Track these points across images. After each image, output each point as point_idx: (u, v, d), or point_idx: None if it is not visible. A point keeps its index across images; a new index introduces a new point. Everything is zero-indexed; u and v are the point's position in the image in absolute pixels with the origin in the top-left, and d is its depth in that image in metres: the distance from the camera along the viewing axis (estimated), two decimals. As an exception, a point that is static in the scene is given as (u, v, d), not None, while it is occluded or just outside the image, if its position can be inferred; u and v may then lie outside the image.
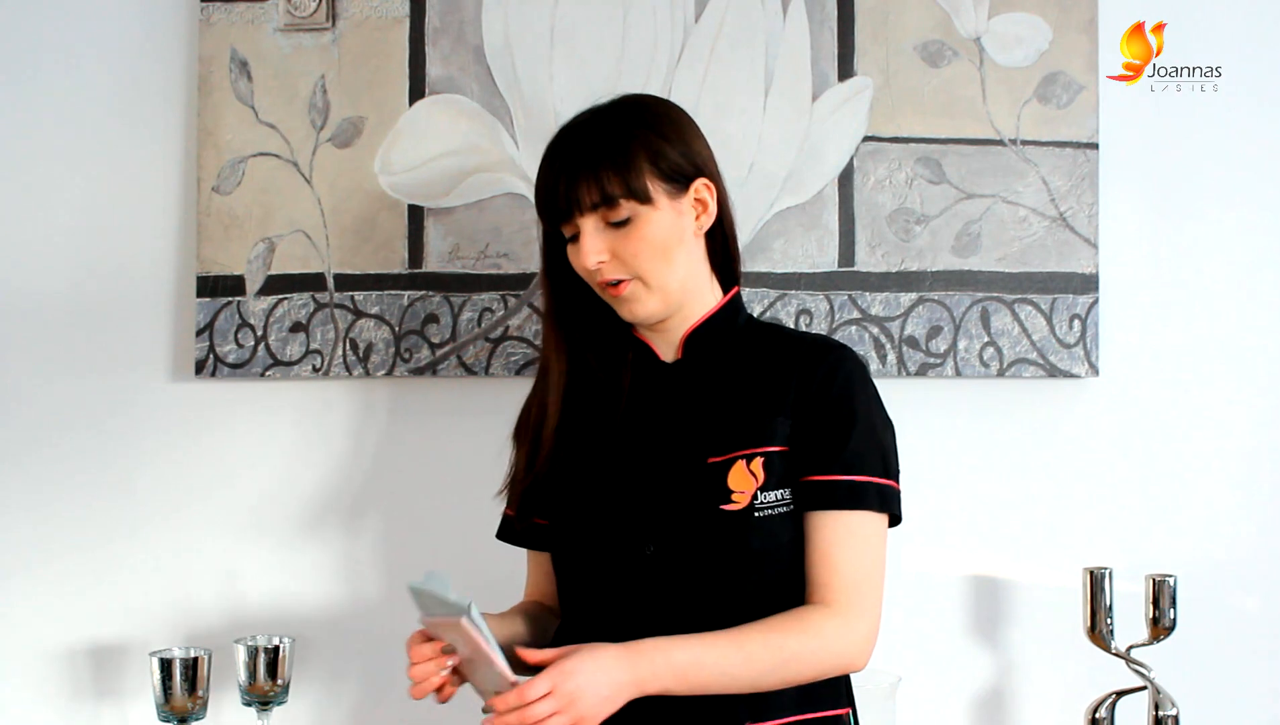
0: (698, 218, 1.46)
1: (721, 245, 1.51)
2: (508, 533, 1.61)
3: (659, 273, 1.42)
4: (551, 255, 1.51)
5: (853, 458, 1.40)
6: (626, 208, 1.40)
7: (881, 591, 1.41)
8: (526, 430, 1.54)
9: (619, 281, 1.43)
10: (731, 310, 1.51)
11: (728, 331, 1.50)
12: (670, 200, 1.43)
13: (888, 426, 1.45)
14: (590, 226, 1.42)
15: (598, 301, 1.50)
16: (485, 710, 1.30)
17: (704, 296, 1.49)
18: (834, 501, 1.39)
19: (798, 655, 1.35)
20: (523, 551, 1.62)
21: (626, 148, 1.41)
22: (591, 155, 1.41)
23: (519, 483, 1.54)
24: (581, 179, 1.40)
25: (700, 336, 1.49)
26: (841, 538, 1.39)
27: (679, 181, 1.44)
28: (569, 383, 1.52)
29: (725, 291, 1.52)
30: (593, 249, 1.41)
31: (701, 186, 1.46)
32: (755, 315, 1.87)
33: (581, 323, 1.52)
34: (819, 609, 1.38)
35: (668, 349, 1.51)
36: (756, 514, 1.39)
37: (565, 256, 1.48)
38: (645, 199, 1.41)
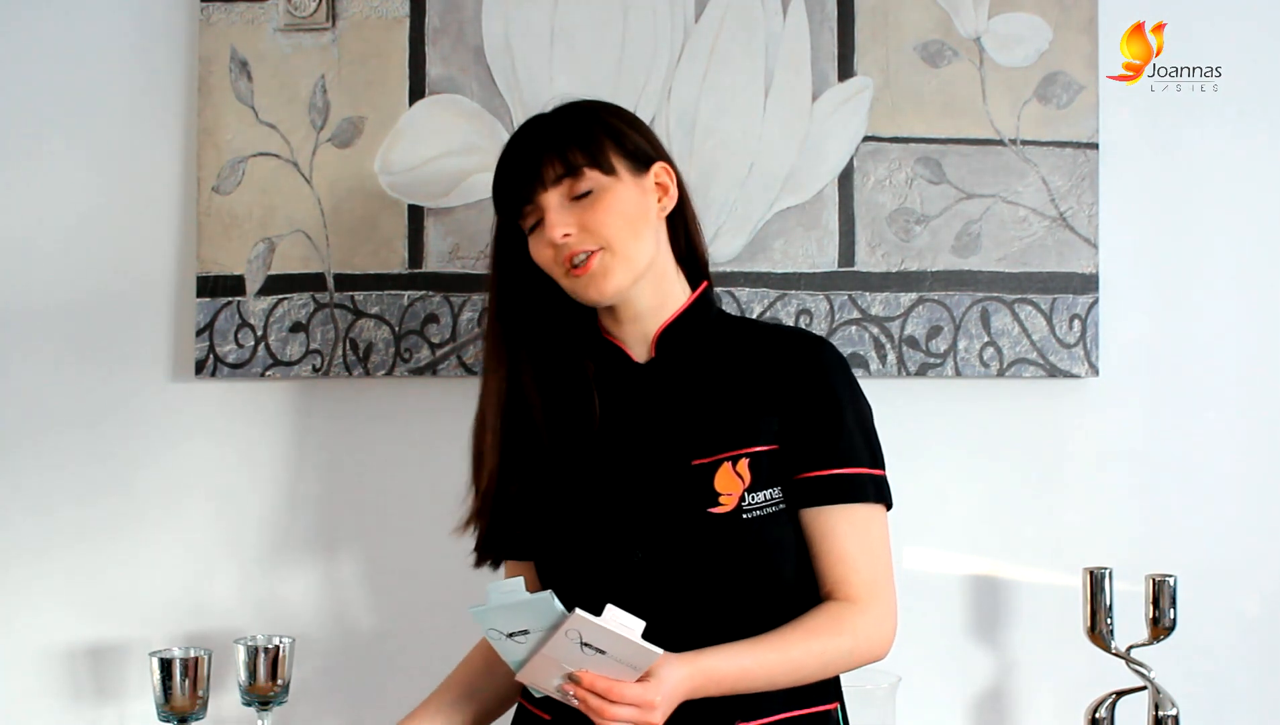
0: (660, 201, 1.47)
1: (685, 238, 1.51)
2: (486, 554, 1.53)
3: (627, 242, 1.42)
4: (502, 259, 1.51)
5: (846, 451, 1.41)
6: (590, 178, 1.42)
7: (893, 578, 1.43)
8: (474, 447, 1.51)
9: (587, 256, 1.41)
10: (703, 306, 1.50)
11: (700, 328, 1.49)
12: (633, 176, 1.44)
13: (871, 415, 1.46)
14: (554, 202, 1.42)
15: (550, 308, 1.49)
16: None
17: (672, 289, 1.49)
18: (833, 496, 1.40)
19: (836, 658, 1.38)
20: None
21: (589, 126, 1.44)
22: (554, 135, 1.44)
23: (483, 503, 1.49)
24: (545, 156, 1.42)
25: (673, 334, 1.48)
26: (848, 532, 1.40)
27: (640, 161, 1.45)
28: (510, 392, 1.49)
29: (693, 288, 1.51)
30: (559, 222, 1.41)
31: (661, 170, 1.47)
32: (755, 315, 1.88)
33: (531, 330, 1.50)
34: (848, 607, 1.39)
35: (640, 348, 1.49)
36: (745, 516, 1.38)
37: (516, 259, 1.49)
38: (609, 170, 1.42)
